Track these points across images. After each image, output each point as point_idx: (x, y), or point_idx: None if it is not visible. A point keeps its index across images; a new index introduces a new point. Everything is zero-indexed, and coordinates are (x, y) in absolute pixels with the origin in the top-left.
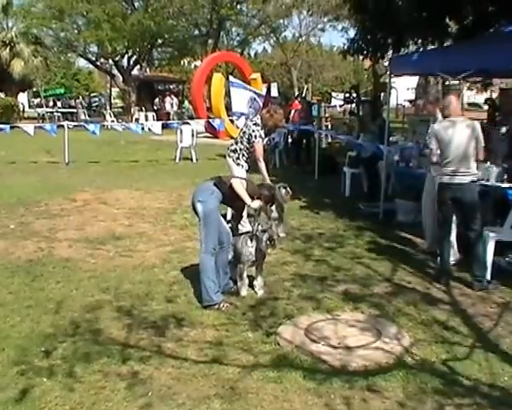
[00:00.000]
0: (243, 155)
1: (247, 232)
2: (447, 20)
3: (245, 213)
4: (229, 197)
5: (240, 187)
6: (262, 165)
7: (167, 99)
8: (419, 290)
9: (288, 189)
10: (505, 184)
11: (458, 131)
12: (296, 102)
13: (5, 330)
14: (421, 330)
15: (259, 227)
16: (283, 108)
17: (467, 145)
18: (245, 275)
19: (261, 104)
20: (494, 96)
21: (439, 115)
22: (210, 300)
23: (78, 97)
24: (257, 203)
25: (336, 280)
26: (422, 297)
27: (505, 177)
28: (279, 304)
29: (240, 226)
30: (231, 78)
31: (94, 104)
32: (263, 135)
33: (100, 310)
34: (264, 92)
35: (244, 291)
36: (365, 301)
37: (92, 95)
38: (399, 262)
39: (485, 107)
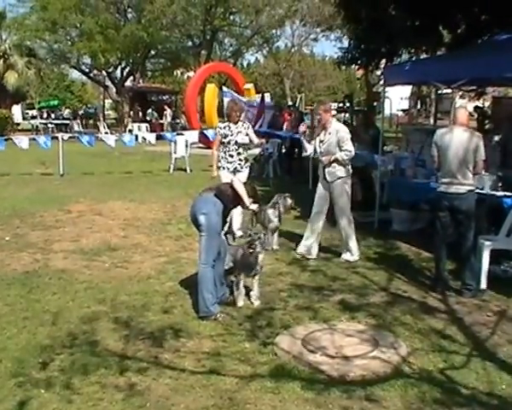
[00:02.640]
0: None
1: (246, 241)
2: (440, 29)
3: (236, 220)
4: (231, 203)
5: (241, 187)
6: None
7: (168, 111)
8: (415, 299)
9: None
10: (500, 193)
11: (456, 138)
12: (286, 113)
13: (2, 342)
14: (418, 339)
15: (256, 236)
16: (277, 118)
17: (464, 153)
18: (241, 285)
19: (255, 114)
20: (487, 104)
21: None
22: (207, 311)
23: (75, 109)
24: (255, 206)
25: (332, 290)
26: (419, 306)
27: (499, 185)
28: (276, 314)
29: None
30: (224, 88)
31: (90, 112)
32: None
33: (96, 321)
34: (258, 101)
35: (241, 302)
36: (362, 310)
37: (89, 106)
38: (395, 271)
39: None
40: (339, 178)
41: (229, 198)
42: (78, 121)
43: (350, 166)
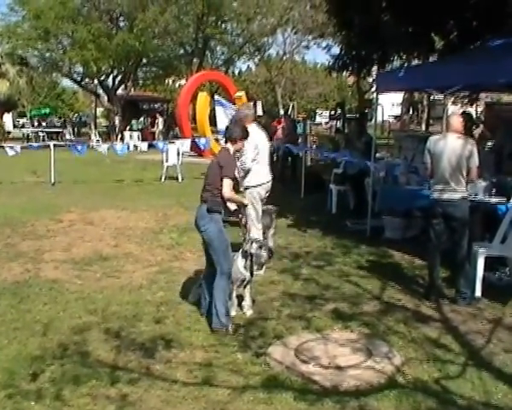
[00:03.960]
0: None
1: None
2: (432, 35)
3: None
4: (228, 213)
5: (232, 194)
6: None
7: (159, 119)
8: (409, 308)
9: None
10: (494, 199)
11: (449, 145)
12: (276, 121)
13: None
14: (413, 348)
15: (254, 245)
16: (269, 126)
17: (457, 159)
18: (234, 295)
19: None
20: (480, 110)
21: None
22: (220, 324)
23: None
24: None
25: (325, 299)
26: (413, 315)
27: (493, 191)
28: (268, 324)
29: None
30: (216, 96)
31: (82, 120)
32: None
33: (88, 332)
34: None
35: (233, 311)
36: (355, 319)
37: (80, 114)
38: (388, 280)
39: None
40: (246, 187)
41: (222, 208)
42: (70, 130)
43: (256, 176)
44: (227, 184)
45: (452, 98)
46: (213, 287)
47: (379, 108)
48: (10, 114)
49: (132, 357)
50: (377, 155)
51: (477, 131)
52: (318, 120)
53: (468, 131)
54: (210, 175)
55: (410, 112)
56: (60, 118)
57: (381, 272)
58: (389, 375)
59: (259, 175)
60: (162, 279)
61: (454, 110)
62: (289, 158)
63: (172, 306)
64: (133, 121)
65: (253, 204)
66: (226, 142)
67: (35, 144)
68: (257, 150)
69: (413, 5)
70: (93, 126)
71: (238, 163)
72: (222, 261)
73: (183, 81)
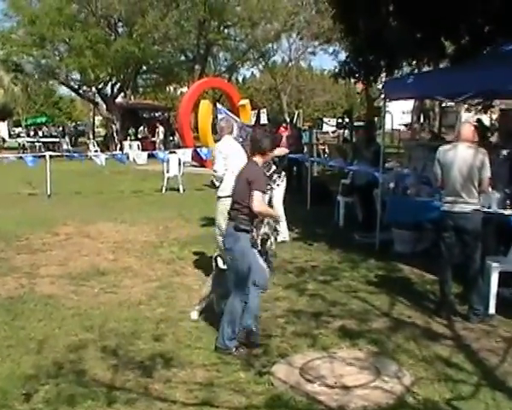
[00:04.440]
0: None
1: None
2: (443, 40)
3: None
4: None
5: (263, 207)
6: None
7: (160, 129)
8: (419, 325)
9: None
10: (508, 211)
11: (459, 154)
12: (281, 128)
13: None
14: (423, 367)
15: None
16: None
17: (468, 170)
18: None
19: (250, 131)
20: (494, 117)
21: None
22: (224, 345)
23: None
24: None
25: (332, 316)
26: (423, 332)
27: (508, 203)
28: (272, 342)
29: None
30: (218, 105)
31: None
32: None
33: (84, 350)
34: (252, 121)
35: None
36: (363, 337)
37: (78, 123)
38: (398, 295)
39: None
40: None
41: (252, 226)
42: (67, 139)
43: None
44: (257, 198)
45: (465, 105)
46: (227, 309)
47: (388, 116)
48: (5, 122)
49: (130, 376)
50: (386, 164)
51: (493, 139)
52: (326, 128)
53: (481, 140)
54: (237, 192)
55: (421, 120)
56: (58, 127)
57: (390, 287)
58: (398, 395)
59: (229, 187)
60: (162, 295)
61: (467, 118)
62: (294, 168)
63: (172, 323)
64: (130, 130)
65: (223, 215)
66: (253, 154)
67: (30, 155)
68: (226, 161)
69: (422, 9)
70: (91, 136)
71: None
72: (239, 285)
73: (184, 89)
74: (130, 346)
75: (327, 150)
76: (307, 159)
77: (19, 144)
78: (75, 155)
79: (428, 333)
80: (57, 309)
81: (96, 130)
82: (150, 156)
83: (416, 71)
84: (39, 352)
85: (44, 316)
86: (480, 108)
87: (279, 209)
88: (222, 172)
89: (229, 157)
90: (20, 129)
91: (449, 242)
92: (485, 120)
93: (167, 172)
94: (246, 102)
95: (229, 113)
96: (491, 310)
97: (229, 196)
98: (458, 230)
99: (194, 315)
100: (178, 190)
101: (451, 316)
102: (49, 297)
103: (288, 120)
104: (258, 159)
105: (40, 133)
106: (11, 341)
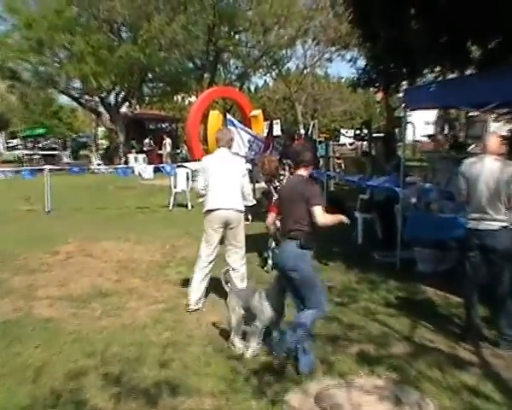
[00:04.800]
0: None
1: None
2: (469, 45)
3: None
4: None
5: (326, 217)
6: None
7: (167, 141)
8: (443, 351)
9: None
10: None
11: (486, 168)
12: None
13: None
14: (448, 396)
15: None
16: (288, 147)
17: (495, 184)
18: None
19: (262, 145)
20: None
21: None
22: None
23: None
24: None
25: (349, 340)
26: (447, 358)
27: None
28: (286, 368)
29: None
30: (228, 116)
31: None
32: None
33: (84, 377)
34: (265, 133)
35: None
36: (382, 363)
37: (80, 135)
38: (420, 318)
39: None
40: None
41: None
42: (68, 152)
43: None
44: (319, 213)
45: (494, 115)
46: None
47: (409, 127)
48: (1, 134)
49: (134, 405)
50: (408, 179)
51: None
52: (343, 140)
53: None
54: (294, 209)
55: (446, 131)
56: (60, 139)
57: (411, 309)
58: None
59: (207, 202)
60: (169, 318)
61: (496, 128)
62: None
63: (179, 348)
64: (133, 142)
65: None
66: (298, 168)
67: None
68: (205, 175)
69: (447, 11)
70: (94, 148)
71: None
72: (314, 299)
73: (193, 98)
74: (134, 373)
75: (343, 166)
76: (323, 174)
77: (16, 157)
78: (75, 168)
79: (453, 360)
80: (56, 334)
81: (99, 141)
82: (157, 170)
83: (439, 78)
84: (36, 380)
85: (42, 341)
86: (510, 117)
87: None
88: (199, 189)
89: (209, 172)
90: (16, 141)
91: (474, 261)
92: None
93: (175, 187)
94: (258, 112)
95: (241, 124)
96: None
97: (206, 212)
98: (484, 249)
99: (238, 343)
100: (186, 206)
101: (478, 341)
102: (47, 321)
103: (303, 131)
104: (302, 172)
105: (40, 144)
106: (5, 369)
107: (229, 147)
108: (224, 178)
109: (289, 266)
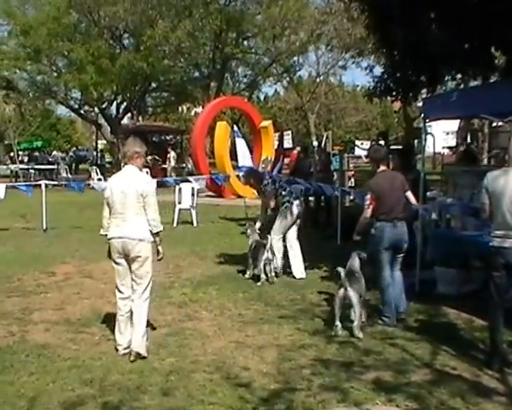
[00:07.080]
0: None
1: None
2: (493, 50)
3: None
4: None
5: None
6: None
7: (172, 154)
8: (466, 378)
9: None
10: None
11: (510, 182)
12: (294, 151)
13: None
14: None
15: None
16: (302, 161)
17: None
18: None
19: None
20: None
21: None
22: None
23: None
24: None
25: (365, 366)
26: (471, 387)
27: None
28: (297, 396)
29: None
30: (236, 127)
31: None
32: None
33: (82, 407)
34: (275, 145)
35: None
36: (401, 391)
37: (80, 148)
38: (441, 343)
39: None
40: None
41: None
42: (66, 166)
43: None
44: (413, 196)
45: None
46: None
47: (429, 138)
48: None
49: None
50: (428, 194)
51: None
52: (358, 152)
53: None
54: (398, 198)
55: (468, 142)
56: (62, 151)
57: (432, 334)
58: None
59: (108, 229)
60: (172, 343)
61: None
62: (322, 198)
63: (184, 375)
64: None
65: None
66: (382, 164)
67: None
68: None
69: (469, 15)
70: (94, 162)
71: None
72: None
73: (199, 109)
74: (135, 402)
75: (352, 180)
76: (335, 189)
77: (11, 172)
78: (72, 184)
79: (477, 388)
80: (52, 361)
81: (99, 155)
82: (160, 185)
83: (461, 86)
84: None
85: (37, 369)
86: None
87: (294, 244)
88: (104, 216)
89: (111, 193)
90: (11, 154)
91: (499, 282)
92: None
93: (179, 203)
94: (268, 123)
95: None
96: None
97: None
98: (510, 268)
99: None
100: (192, 223)
101: (504, 368)
102: (42, 347)
103: (316, 143)
104: (385, 167)
105: (37, 156)
106: None
107: (137, 162)
108: (121, 201)
109: (406, 239)
